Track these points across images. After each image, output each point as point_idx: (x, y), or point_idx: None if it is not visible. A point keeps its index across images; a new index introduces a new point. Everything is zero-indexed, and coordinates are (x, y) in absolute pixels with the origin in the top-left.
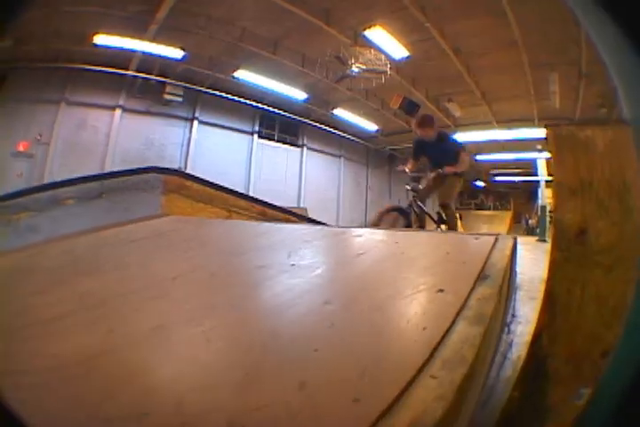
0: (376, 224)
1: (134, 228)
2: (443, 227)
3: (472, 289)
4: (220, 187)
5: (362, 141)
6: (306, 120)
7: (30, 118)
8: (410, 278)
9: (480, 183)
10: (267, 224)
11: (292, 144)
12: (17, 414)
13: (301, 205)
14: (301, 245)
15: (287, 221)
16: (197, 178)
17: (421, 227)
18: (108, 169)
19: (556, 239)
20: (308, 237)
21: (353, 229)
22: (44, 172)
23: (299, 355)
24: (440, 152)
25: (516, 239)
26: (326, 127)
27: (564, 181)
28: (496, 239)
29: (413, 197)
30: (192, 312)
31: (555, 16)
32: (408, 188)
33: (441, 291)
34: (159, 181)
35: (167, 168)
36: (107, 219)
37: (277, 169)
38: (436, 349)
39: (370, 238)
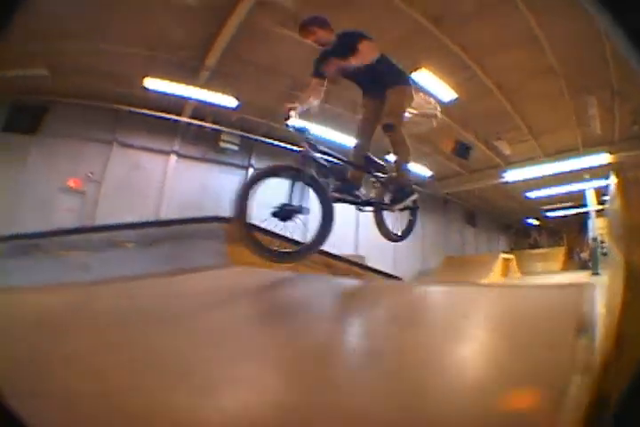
0: (244, 200)
1: (203, 277)
2: (388, 172)
3: (575, 342)
4: (286, 238)
5: (416, 187)
6: None
7: (79, 155)
8: (518, 335)
9: (532, 221)
10: (350, 281)
11: None
12: (17, 414)
13: (358, 253)
14: (395, 309)
15: (351, 272)
16: (263, 229)
17: (351, 183)
18: (163, 213)
19: (628, 280)
20: (400, 297)
21: (439, 287)
22: (95, 209)
23: None
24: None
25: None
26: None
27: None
28: (581, 289)
29: (306, 139)
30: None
31: (583, 36)
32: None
33: (549, 346)
34: (224, 230)
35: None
36: (168, 265)
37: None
38: (560, 402)
39: (461, 296)
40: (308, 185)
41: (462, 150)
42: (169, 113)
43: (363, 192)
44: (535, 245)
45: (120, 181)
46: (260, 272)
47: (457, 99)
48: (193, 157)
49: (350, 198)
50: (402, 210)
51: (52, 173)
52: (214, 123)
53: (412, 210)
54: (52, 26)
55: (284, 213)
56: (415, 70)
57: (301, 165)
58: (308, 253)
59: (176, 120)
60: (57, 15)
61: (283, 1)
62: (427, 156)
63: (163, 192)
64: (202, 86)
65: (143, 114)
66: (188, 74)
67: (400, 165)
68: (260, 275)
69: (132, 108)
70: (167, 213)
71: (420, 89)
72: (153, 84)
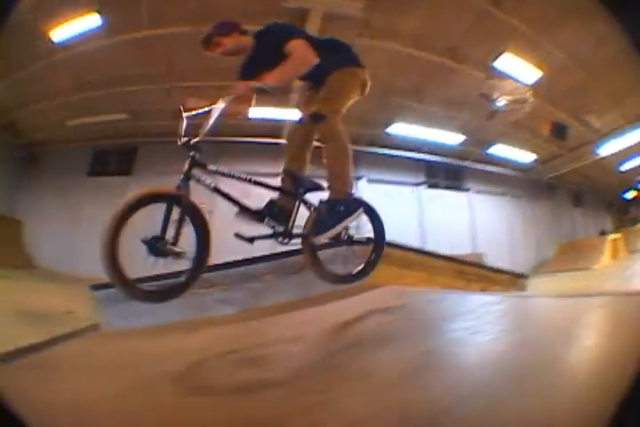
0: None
1: (363, 298)
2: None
3: None
4: (420, 251)
5: (520, 174)
6: (465, 163)
7: None
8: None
9: (629, 195)
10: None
11: (457, 189)
12: (17, 414)
13: (477, 251)
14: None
15: (483, 276)
16: (398, 245)
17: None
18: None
19: None
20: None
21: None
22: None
23: None
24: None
25: None
26: (486, 167)
27: None
28: None
29: (192, 157)
30: None
31: None
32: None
33: None
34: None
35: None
36: (308, 292)
37: (447, 217)
38: None
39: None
40: (188, 215)
41: (559, 131)
42: (270, 137)
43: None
44: (636, 220)
45: (232, 209)
46: (405, 291)
47: (542, 77)
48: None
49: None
50: (351, 243)
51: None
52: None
53: (375, 245)
54: (124, 71)
55: (155, 248)
56: (498, 57)
57: (180, 190)
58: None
59: (278, 143)
60: (126, 60)
61: (349, 11)
62: (526, 142)
63: None
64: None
65: (242, 142)
66: (280, 96)
67: (330, 173)
68: (407, 295)
69: (231, 138)
70: None
71: (506, 76)
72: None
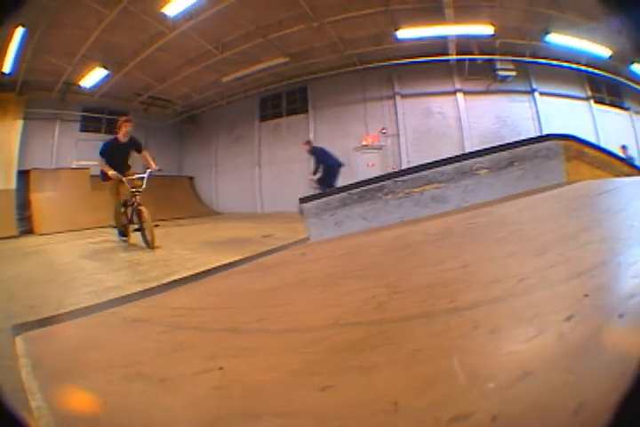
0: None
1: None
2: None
3: None
4: (611, 153)
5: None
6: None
7: (363, 117)
8: None
9: None
10: None
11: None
12: (17, 414)
13: None
14: None
15: None
16: (593, 144)
17: None
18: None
19: None
20: None
21: None
22: (400, 159)
23: None
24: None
25: None
26: None
27: None
28: None
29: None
30: None
31: None
32: None
33: None
34: (561, 148)
35: (565, 134)
36: (519, 187)
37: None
38: None
39: None
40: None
41: None
42: (433, 56)
43: None
44: None
45: (417, 130)
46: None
47: None
48: (478, 92)
49: None
50: None
51: (340, 138)
52: (482, 54)
53: None
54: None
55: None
56: None
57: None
58: None
59: (444, 60)
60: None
61: None
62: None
63: (462, 131)
64: (453, 22)
65: (409, 63)
66: (434, 13)
67: None
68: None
69: (395, 62)
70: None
71: None
72: (405, 33)
